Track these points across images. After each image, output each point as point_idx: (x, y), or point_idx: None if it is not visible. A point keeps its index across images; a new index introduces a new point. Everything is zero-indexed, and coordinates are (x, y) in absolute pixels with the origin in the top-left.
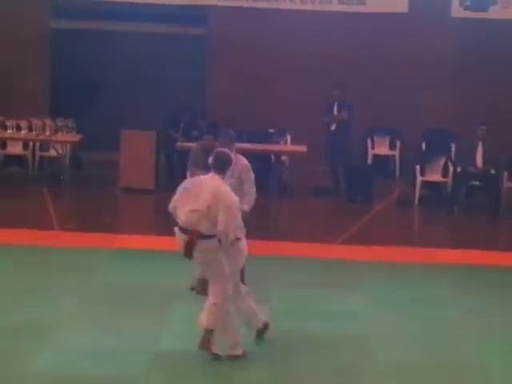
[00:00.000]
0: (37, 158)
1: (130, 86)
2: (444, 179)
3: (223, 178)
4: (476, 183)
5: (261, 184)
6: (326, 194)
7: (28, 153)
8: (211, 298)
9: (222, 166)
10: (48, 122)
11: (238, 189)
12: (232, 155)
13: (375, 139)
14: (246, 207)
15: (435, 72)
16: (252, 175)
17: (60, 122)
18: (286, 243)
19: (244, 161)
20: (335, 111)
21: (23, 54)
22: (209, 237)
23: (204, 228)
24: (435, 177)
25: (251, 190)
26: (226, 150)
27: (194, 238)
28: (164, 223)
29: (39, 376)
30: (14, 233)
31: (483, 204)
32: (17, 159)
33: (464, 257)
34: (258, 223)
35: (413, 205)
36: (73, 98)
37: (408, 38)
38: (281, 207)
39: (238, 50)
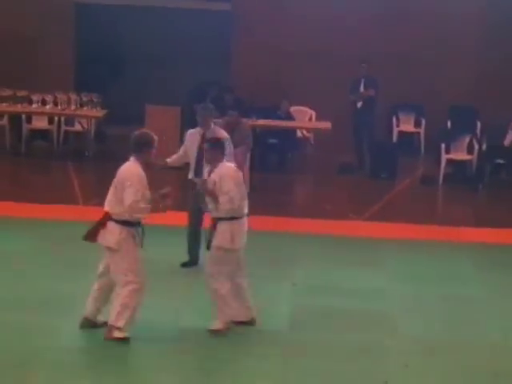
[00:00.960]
0: (62, 133)
1: (155, 61)
2: (469, 157)
3: (141, 159)
4: (501, 161)
5: (285, 161)
6: (351, 171)
7: (53, 127)
8: None
9: (136, 147)
10: (73, 96)
11: None
12: (153, 135)
13: (400, 116)
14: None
15: (461, 48)
16: (231, 147)
17: (85, 96)
18: (310, 220)
19: (222, 133)
20: (362, 88)
21: (49, 29)
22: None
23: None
24: (460, 155)
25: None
26: (145, 131)
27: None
28: (185, 199)
29: (64, 350)
30: (39, 207)
31: (508, 182)
32: (42, 134)
33: (488, 235)
34: (282, 199)
35: (437, 183)
36: (98, 73)
37: (434, 14)
38: (305, 184)
39: (263, 25)
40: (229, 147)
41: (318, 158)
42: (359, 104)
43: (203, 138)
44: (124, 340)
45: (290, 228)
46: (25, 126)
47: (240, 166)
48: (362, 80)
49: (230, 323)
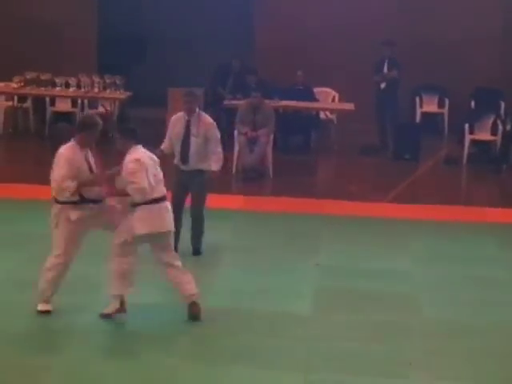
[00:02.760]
0: None
1: (178, 43)
2: (493, 138)
3: (79, 141)
4: None
5: (308, 141)
6: (374, 153)
7: (76, 110)
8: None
9: (77, 128)
10: (96, 79)
11: (203, 148)
12: (97, 119)
13: (424, 97)
14: (214, 166)
15: (486, 30)
16: (217, 133)
17: (108, 79)
18: (333, 201)
19: (208, 119)
20: (385, 69)
21: (72, 12)
22: None
23: None
24: (484, 135)
25: (217, 149)
26: (90, 114)
27: None
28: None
29: (86, 331)
30: None
31: None
32: (65, 116)
33: None
34: (305, 181)
35: (461, 163)
36: (121, 55)
37: None
38: (328, 165)
39: (288, 5)
40: (216, 134)
41: (341, 140)
42: (383, 85)
43: (188, 126)
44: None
45: (313, 209)
46: (48, 109)
47: (263, 147)
48: (386, 61)
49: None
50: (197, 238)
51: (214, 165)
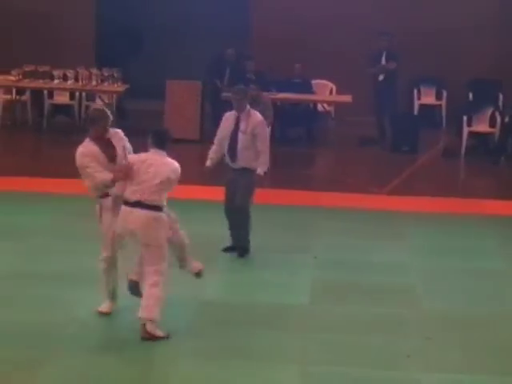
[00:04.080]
0: (83, 108)
1: (175, 36)
2: (491, 129)
3: (91, 135)
4: None
5: (306, 134)
6: (372, 144)
7: (74, 102)
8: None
9: (90, 123)
10: (94, 71)
11: (251, 145)
12: (106, 112)
13: (421, 89)
14: (260, 170)
15: (483, 21)
16: (266, 132)
17: (106, 71)
18: (331, 193)
19: (258, 116)
20: (383, 61)
21: (70, 5)
22: None
23: None
24: (482, 127)
25: (264, 148)
26: (98, 107)
27: None
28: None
29: (83, 324)
30: (60, 182)
31: None
32: (63, 109)
33: (511, 207)
34: (303, 173)
35: (459, 155)
36: (119, 48)
37: None
38: (326, 157)
39: None
40: (264, 132)
41: (338, 132)
42: (380, 77)
43: (237, 122)
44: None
45: (311, 202)
46: (46, 102)
47: None
48: (384, 53)
49: None
50: (243, 237)
51: (260, 167)
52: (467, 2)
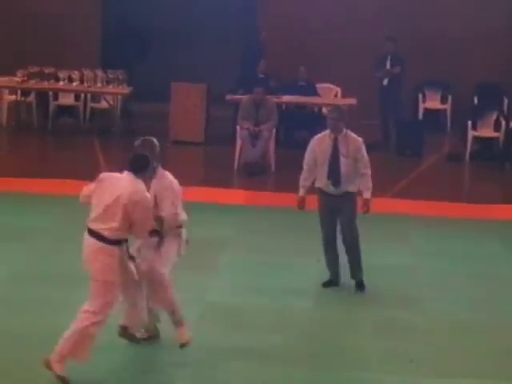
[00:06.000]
0: (88, 110)
1: (181, 38)
2: (496, 134)
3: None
4: None
5: (310, 137)
6: (376, 148)
7: (79, 104)
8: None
9: (136, 167)
10: (99, 73)
11: (353, 169)
12: (149, 159)
13: (426, 93)
14: (367, 194)
15: (488, 25)
16: (365, 153)
17: (111, 73)
18: None
19: (357, 137)
20: (388, 65)
21: (76, 6)
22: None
23: None
24: (487, 132)
25: (365, 170)
26: (142, 154)
27: None
28: (213, 175)
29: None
30: (63, 183)
31: None
32: (68, 110)
33: None
34: None
35: (464, 160)
36: (124, 50)
37: None
38: None
39: (289, 1)
40: (365, 153)
41: None
42: (385, 81)
43: (336, 144)
44: None
45: (315, 205)
46: (51, 103)
47: (266, 142)
48: (389, 57)
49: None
50: (357, 270)
51: (366, 192)
52: (473, 7)
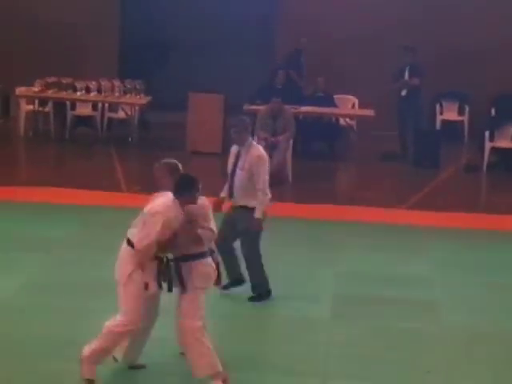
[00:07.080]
0: (105, 119)
1: (199, 48)
2: None
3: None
4: None
5: (328, 148)
6: (394, 159)
7: (97, 114)
8: None
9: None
10: (117, 83)
11: (248, 183)
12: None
13: (444, 104)
14: (257, 213)
15: (507, 37)
16: (265, 169)
17: (129, 83)
18: (353, 207)
19: (257, 151)
20: (406, 76)
21: (94, 16)
22: None
23: None
24: (504, 143)
25: (259, 186)
26: (188, 174)
27: None
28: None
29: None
30: (82, 193)
31: None
32: (86, 120)
33: None
34: (325, 187)
35: (481, 171)
36: (142, 60)
37: (484, 3)
38: (348, 171)
39: (309, 12)
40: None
41: (361, 146)
42: (404, 92)
43: (237, 157)
44: None
45: (333, 216)
46: (69, 113)
47: (283, 153)
48: (407, 68)
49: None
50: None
51: (257, 212)
52: (492, 20)
